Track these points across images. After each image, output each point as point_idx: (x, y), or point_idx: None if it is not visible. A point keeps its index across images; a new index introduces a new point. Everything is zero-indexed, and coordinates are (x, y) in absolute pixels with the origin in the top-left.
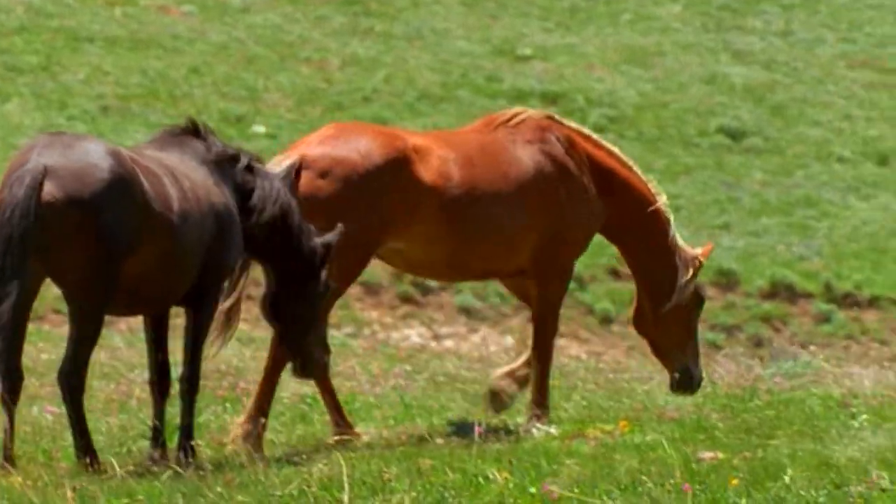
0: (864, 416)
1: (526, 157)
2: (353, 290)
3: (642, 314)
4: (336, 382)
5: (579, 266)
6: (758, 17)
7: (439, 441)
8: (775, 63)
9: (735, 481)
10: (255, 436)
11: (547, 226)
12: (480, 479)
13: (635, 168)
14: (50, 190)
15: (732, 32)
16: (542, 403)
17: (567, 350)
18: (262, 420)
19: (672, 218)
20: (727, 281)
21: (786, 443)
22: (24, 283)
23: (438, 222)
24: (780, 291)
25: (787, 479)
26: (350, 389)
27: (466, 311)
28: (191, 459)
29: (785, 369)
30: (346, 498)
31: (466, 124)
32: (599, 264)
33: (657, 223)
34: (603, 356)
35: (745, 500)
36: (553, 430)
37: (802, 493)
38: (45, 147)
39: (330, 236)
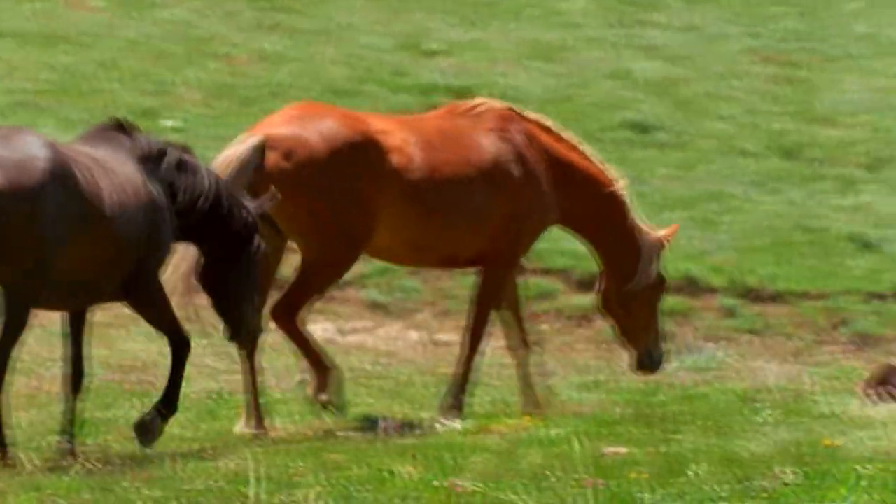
0: (769, 411)
1: (486, 144)
2: None
3: (609, 297)
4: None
5: None
6: (662, 11)
7: (346, 436)
8: (679, 58)
9: (639, 476)
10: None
11: (504, 213)
12: (386, 474)
13: (594, 158)
14: None
15: (637, 27)
16: (458, 396)
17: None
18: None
19: (630, 202)
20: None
21: (690, 437)
22: None
23: (401, 205)
24: (685, 286)
25: (691, 473)
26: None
27: (373, 306)
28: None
29: (689, 364)
30: (251, 493)
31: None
32: None
33: (616, 208)
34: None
35: (650, 494)
36: (458, 425)
37: (706, 487)
38: None
39: (260, 203)
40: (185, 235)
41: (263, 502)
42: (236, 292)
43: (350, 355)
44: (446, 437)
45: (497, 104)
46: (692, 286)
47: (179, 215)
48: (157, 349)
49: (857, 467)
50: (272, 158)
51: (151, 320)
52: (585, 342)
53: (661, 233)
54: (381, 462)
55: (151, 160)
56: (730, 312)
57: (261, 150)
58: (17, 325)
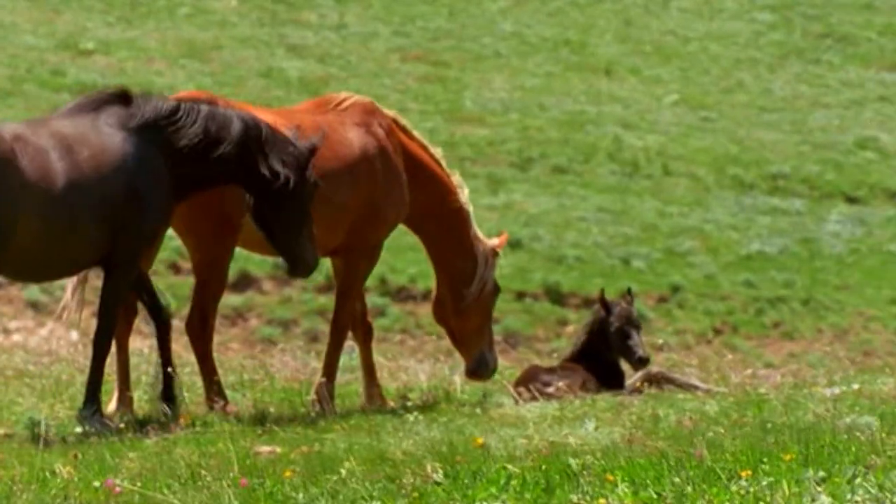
0: (419, 411)
1: (354, 138)
2: None
3: (442, 304)
4: None
5: None
6: (313, 10)
7: (7, 435)
8: (330, 57)
9: (292, 474)
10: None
11: (366, 204)
12: (47, 474)
13: (442, 162)
14: None
15: (288, 26)
16: (328, 385)
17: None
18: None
19: (472, 210)
20: (283, 274)
21: (342, 437)
22: None
23: None
24: (334, 285)
25: (343, 472)
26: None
27: (34, 306)
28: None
29: (341, 363)
30: None
31: (33, 118)
32: (161, 259)
33: (459, 216)
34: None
35: (303, 493)
36: (115, 424)
37: (357, 486)
38: None
39: (312, 140)
40: (223, 178)
41: None
42: (288, 227)
43: (12, 354)
44: (105, 437)
45: (361, 98)
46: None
47: (200, 161)
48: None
49: (508, 466)
50: None
51: (108, 288)
52: (239, 342)
53: (494, 241)
54: (42, 461)
55: (151, 126)
56: (380, 312)
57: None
58: None
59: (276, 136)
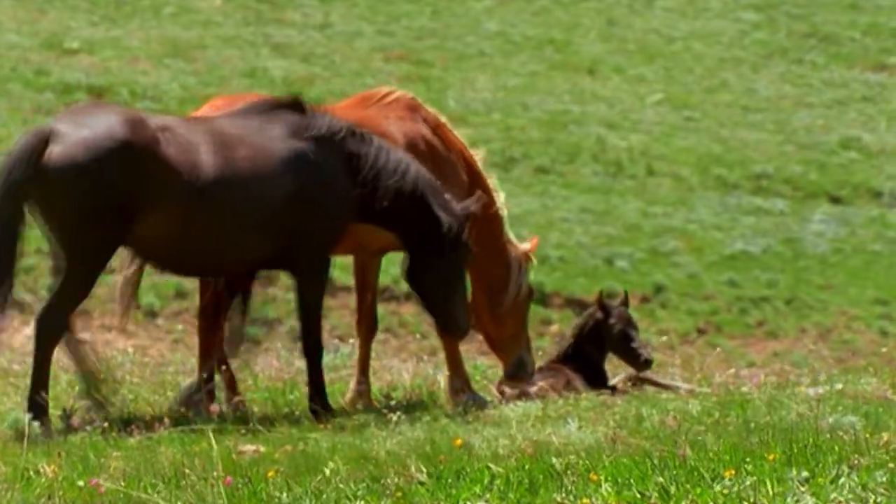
0: (403, 410)
1: (396, 131)
2: None
3: (478, 308)
4: None
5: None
6: (297, 10)
7: None
8: (314, 56)
9: (276, 474)
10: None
11: None
12: (31, 473)
13: (481, 164)
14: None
15: (272, 25)
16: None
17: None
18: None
19: (506, 215)
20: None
21: (326, 436)
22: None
23: None
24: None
25: (327, 471)
26: None
27: (18, 305)
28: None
29: (324, 362)
30: None
31: (18, 117)
32: None
33: (496, 221)
34: (149, 350)
35: (286, 493)
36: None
37: (342, 485)
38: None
39: (468, 203)
40: (385, 221)
41: None
42: (442, 288)
43: None
44: (88, 436)
45: (403, 94)
46: (327, 285)
47: (371, 188)
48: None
49: (492, 466)
50: None
51: (298, 296)
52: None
53: (526, 246)
54: (26, 461)
55: (325, 138)
56: None
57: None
58: (80, 289)
59: (441, 191)
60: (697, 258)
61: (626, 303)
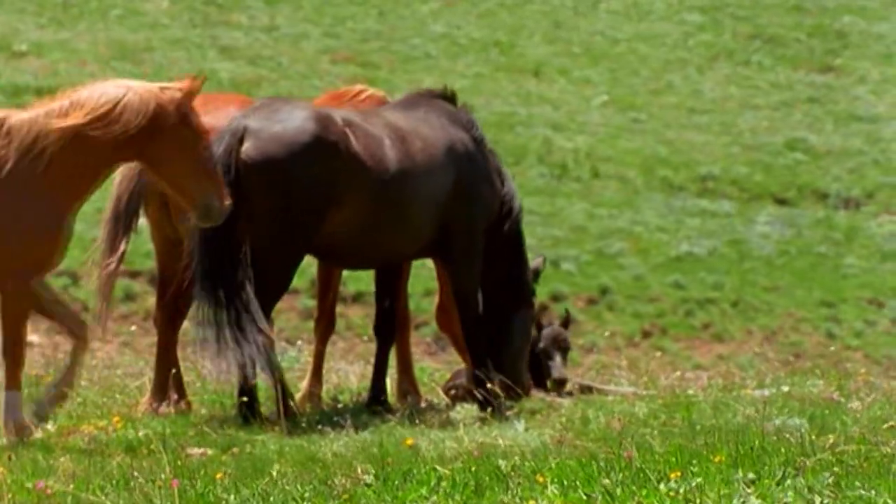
0: (350, 413)
1: None
2: None
3: (445, 311)
4: None
5: (71, 262)
6: (243, 12)
7: None
8: (261, 58)
9: (224, 477)
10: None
11: None
12: None
13: None
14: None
15: (219, 28)
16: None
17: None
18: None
19: None
20: None
21: (273, 438)
22: None
23: None
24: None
25: (274, 473)
26: None
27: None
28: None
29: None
30: None
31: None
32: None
33: None
34: (97, 352)
35: (234, 495)
36: (50, 425)
37: (289, 487)
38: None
39: (536, 262)
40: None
41: None
42: (513, 348)
43: None
44: (38, 438)
45: (375, 91)
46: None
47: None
48: None
49: (438, 468)
50: None
51: (454, 284)
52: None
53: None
54: None
55: (473, 126)
56: (310, 314)
57: None
58: (277, 287)
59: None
60: (643, 260)
61: (566, 324)
